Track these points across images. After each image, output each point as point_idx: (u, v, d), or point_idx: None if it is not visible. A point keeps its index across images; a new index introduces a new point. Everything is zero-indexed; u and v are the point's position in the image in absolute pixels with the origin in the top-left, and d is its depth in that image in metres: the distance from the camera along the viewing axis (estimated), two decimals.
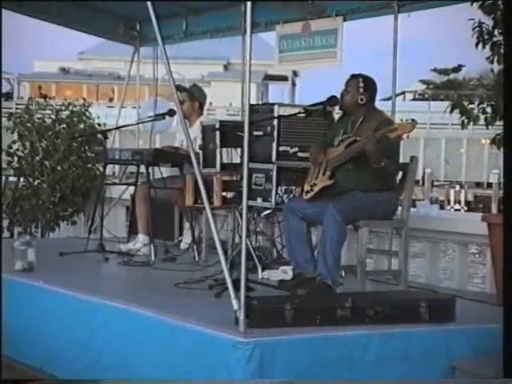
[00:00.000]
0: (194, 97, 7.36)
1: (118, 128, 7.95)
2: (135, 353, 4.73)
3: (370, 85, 5.62)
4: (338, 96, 5.63)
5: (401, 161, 5.66)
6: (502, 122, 5.58)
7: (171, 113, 6.99)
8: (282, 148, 5.98)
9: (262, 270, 5.96)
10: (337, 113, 6.02)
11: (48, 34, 35.80)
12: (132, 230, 7.35)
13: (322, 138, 5.81)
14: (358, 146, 5.40)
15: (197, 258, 6.67)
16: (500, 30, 5.75)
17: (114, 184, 8.49)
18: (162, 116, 7.13)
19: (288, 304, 4.41)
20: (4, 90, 44.62)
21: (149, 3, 5.09)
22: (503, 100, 4.97)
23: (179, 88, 6.84)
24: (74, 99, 9.78)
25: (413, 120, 5.29)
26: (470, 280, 6.78)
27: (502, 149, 5.81)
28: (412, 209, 5.96)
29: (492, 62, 5.87)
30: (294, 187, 6.15)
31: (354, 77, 5.63)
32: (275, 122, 5.92)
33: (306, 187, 5.61)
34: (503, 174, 4.31)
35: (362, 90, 5.56)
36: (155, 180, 7.10)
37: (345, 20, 6.97)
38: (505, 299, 4.14)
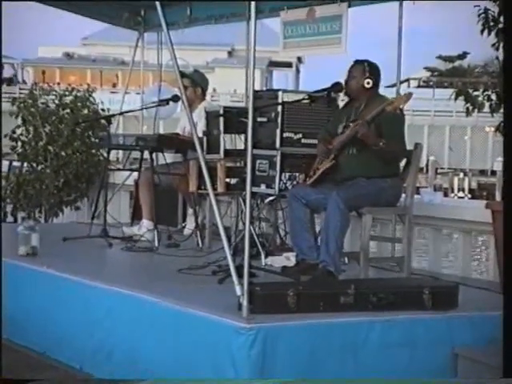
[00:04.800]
0: (196, 83, 7.36)
1: (121, 113, 7.95)
2: (139, 338, 4.75)
3: (374, 70, 5.62)
4: (343, 82, 5.62)
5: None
6: None
7: (175, 98, 6.99)
8: (285, 134, 5.97)
9: (265, 257, 5.96)
10: (341, 99, 6.02)
11: (52, 20, 35.77)
12: (135, 216, 7.36)
13: (326, 126, 5.79)
14: (351, 131, 5.41)
15: (200, 244, 6.68)
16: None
17: (118, 170, 8.50)
18: (165, 102, 7.13)
19: (291, 290, 4.41)
20: (7, 75, 44.61)
21: None
22: (503, 88, 4.97)
23: (181, 74, 6.82)
24: (77, 84, 9.78)
25: (409, 93, 5.35)
26: (473, 267, 6.78)
27: None
28: (416, 196, 5.96)
29: (497, 49, 5.86)
30: (297, 174, 6.14)
31: (358, 62, 5.63)
32: (279, 108, 5.90)
33: (310, 173, 5.61)
34: (504, 161, 4.31)
35: (367, 74, 5.56)
36: (159, 166, 7.11)
37: (349, 6, 6.94)
38: (505, 287, 4.14)
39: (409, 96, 5.35)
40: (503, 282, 4.27)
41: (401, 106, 5.40)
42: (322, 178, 5.53)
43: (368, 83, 5.56)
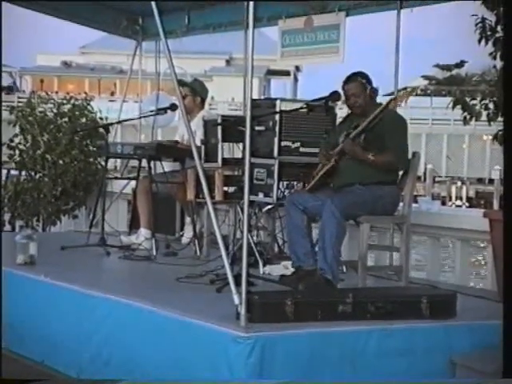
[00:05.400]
0: (195, 91, 7.36)
1: (119, 122, 7.95)
2: (137, 347, 4.74)
3: (368, 79, 5.61)
4: (341, 91, 5.61)
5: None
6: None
7: (173, 107, 7.00)
8: (283, 143, 5.98)
9: (264, 265, 5.96)
10: (339, 108, 6.02)
11: (50, 28, 35.83)
12: (133, 225, 7.36)
13: (328, 139, 5.80)
14: (340, 148, 5.44)
15: (198, 253, 6.67)
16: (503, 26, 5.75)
17: (116, 178, 8.49)
18: (163, 110, 7.13)
19: (289, 299, 4.41)
20: (6, 84, 44.64)
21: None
22: (503, 96, 4.97)
23: (181, 83, 6.85)
24: (75, 93, 9.78)
25: (412, 88, 5.36)
26: (471, 276, 6.78)
27: None
28: (413, 204, 5.96)
29: (495, 58, 5.87)
30: (295, 182, 6.15)
31: (352, 80, 5.58)
32: (277, 117, 5.91)
33: (309, 180, 5.62)
34: (503, 170, 4.32)
35: (368, 85, 5.54)
36: (157, 174, 7.10)
37: (347, 15, 6.96)
38: (505, 295, 4.14)
39: (410, 92, 5.34)
40: (503, 290, 4.27)
41: (403, 102, 5.39)
42: (320, 184, 5.53)
43: (374, 93, 5.55)
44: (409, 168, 5.66)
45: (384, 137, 5.41)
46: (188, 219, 7.33)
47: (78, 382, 5.01)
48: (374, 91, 5.56)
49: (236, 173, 6.33)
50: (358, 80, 5.56)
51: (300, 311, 4.41)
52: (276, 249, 6.59)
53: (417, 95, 46.61)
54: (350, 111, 5.72)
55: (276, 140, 5.95)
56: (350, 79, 5.59)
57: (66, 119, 9.14)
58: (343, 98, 5.64)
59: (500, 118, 5.87)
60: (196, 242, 6.74)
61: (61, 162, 8.93)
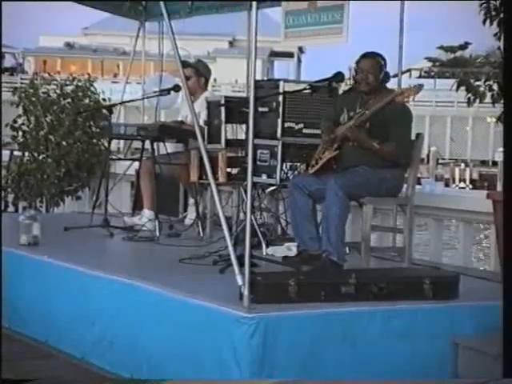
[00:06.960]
0: (199, 72, 7.36)
1: (122, 103, 7.94)
2: (140, 328, 4.76)
3: (385, 61, 5.57)
4: (344, 72, 5.58)
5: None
6: None
7: (176, 88, 6.99)
8: (287, 124, 5.98)
9: (267, 247, 5.96)
10: (343, 90, 6.00)
11: (53, 9, 35.72)
12: (137, 206, 7.36)
13: (328, 115, 5.77)
14: (343, 132, 5.43)
15: (201, 234, 6.68)
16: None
17: (119, 159, 8.49)
18: (167, 91, 7.12)
19: (292, 280, 4.41)
20: (9, 65, 44.60)
21: None
22: (504, 79, 4.96)
23: (185, 64, 6.83)
24: (78, 74, 9.75)
25: (420, 84, 5.31)
26: (474, 257, 6.78)
27: None
28: (417, 186, 5.96)
29: (499, 39, 5.85)
30: (298, 163, 6.14)
31: (371, 56, 5.54)
32: (280, 98, 5.90)
33: (312, 162, 5.60)
34: (504, 150, 4.32)
35: (384, 68, 5.51)
36: (160, 156, 7.10)
37: None
38: (504, 276, 4.14)
39: (419, 88, 5.29)
40: (503, 271, 4.28)
41: (411, 98, 5.35)
42: (324, 168, 5.52)
43: (386, 77, 5.52)
44: (412, 150, 5.65)
45: (389, 126, 5.39)
46: (191, 200, 7.34)
47: (123, 381, 4.96)
48: (387, 76, 5.53)
49: (239, 154, 6.33)
50: (376, 59, 5.52)
51: (303, 292, 4.41)
52: (279, 230, 6.59)
53: (421, 77, 46.57)
54: (349, 87, 5.69)
55: (279, 121, 5.95)
56: (368, 55, 5.56)
57: (69, 100, 9.12)
58: (346, 79, 5.62)
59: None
60: (199, 223, 6.75)
61: (64, 143, 8.92)
